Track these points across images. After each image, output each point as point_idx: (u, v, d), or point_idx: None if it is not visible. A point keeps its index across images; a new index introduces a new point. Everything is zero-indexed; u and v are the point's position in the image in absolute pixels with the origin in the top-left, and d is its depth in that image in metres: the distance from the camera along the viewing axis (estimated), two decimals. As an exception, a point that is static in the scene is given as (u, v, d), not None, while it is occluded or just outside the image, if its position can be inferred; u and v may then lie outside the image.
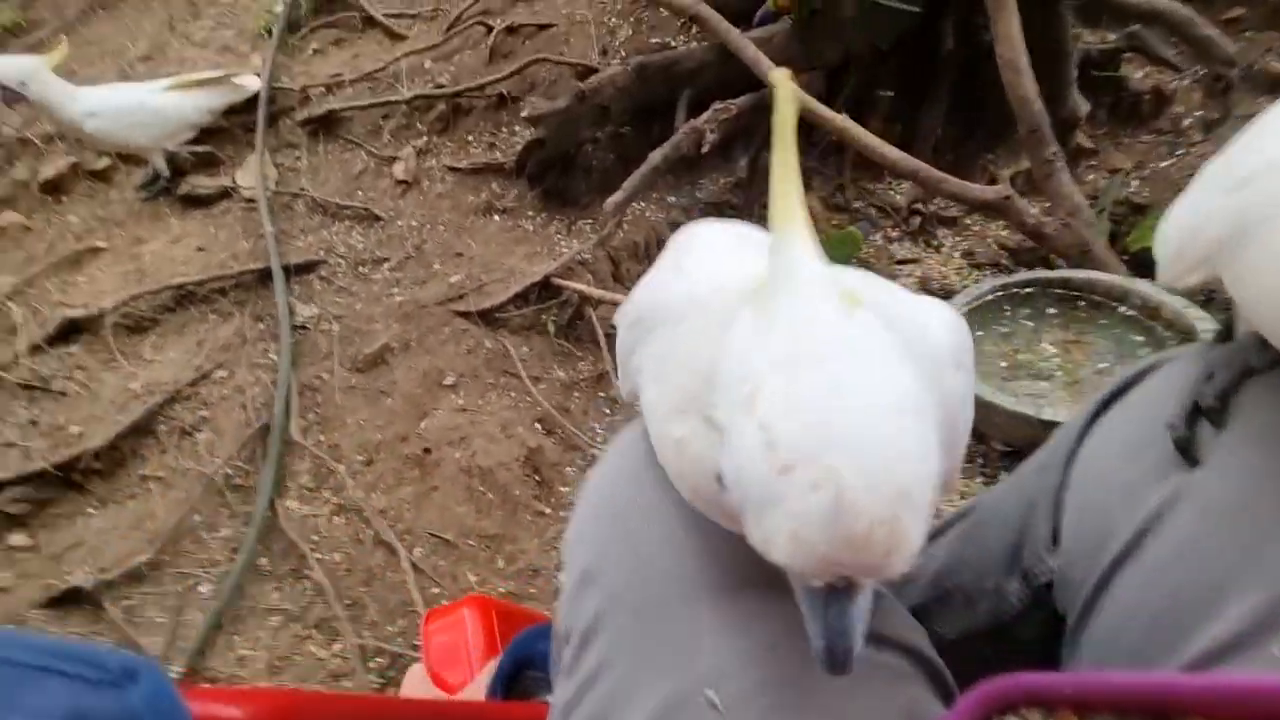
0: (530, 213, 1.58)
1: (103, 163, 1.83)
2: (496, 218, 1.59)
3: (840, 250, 1.50)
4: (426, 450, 1.30)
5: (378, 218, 1.61)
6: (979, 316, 1.28)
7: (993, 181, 1.53)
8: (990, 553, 0.53)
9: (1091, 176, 1.57)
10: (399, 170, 1.67)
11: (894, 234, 1.60)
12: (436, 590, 1.16)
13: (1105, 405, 0.49)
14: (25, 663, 0.30)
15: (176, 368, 1.44)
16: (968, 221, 1.59)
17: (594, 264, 1.45)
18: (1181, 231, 0.43)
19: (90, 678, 0.29)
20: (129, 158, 1.78)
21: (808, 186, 1.60)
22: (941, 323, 0.36)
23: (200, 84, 1.69)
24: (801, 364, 0.26)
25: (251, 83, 1.76)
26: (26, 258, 1.68)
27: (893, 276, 1.56)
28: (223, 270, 1.55)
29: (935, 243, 1.59)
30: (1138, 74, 1.59)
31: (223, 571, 1.20)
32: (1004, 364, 1.23)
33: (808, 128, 1.42)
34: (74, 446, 1.34)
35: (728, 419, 0.28)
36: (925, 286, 1.53)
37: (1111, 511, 0.42)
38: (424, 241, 1.58)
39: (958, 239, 1.59)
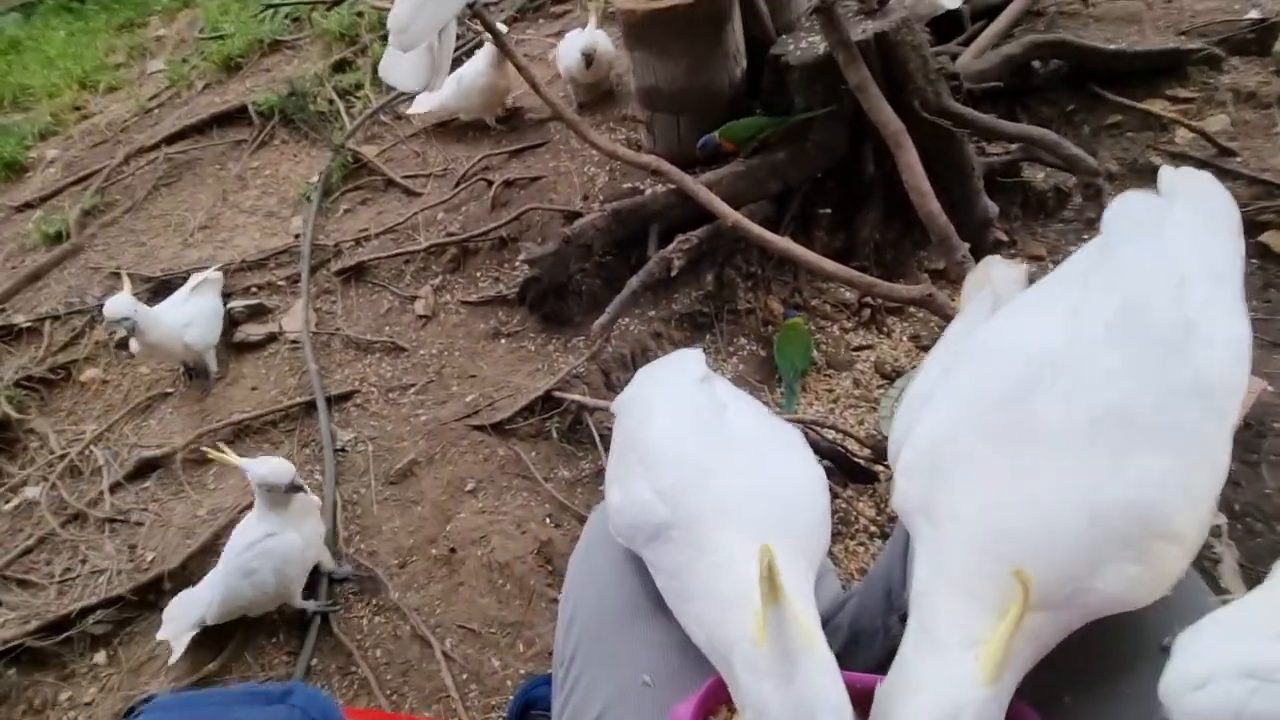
0: (532, 335, 1.84)
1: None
2: (503, 341, 1.85)
3: (798, 339, 1.71)
4: (452, 550, 1.49)
5: (403, 349, 1.88)
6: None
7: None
8: (876, 598, 0.71)
9: (1014, 263, 1.80)
10: (419, 307, 1.96)
11: (849, 325, 1.83)
12: (465, 676, 1.32)
13: None
14: (217, 702, 0.49)
15: (236, 493, 1.67)
16: (912, 310, 1.82)
17: (588, 376, 1.69)
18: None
19: (260, 700, 0.48)
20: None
21: (768, 292, 1.85)
22: None
23: (199, 286, 1.91)
24: None
25: (215, 276, 1.97)
26: (106, 407, 1.96)
27: (851, 361, 1.78)
28: (274, 405, 1.81)
29: (886, 329, 1.82)
30: (1039, 175, 1.86)
31: (282, 675, 1.37)
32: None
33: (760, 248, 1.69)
34: (150, 571, 1.55)
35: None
36: (879, 369, 1.75)
37: None
38: (443, 366, 1.83)
39: (905, 325, 1.82)
